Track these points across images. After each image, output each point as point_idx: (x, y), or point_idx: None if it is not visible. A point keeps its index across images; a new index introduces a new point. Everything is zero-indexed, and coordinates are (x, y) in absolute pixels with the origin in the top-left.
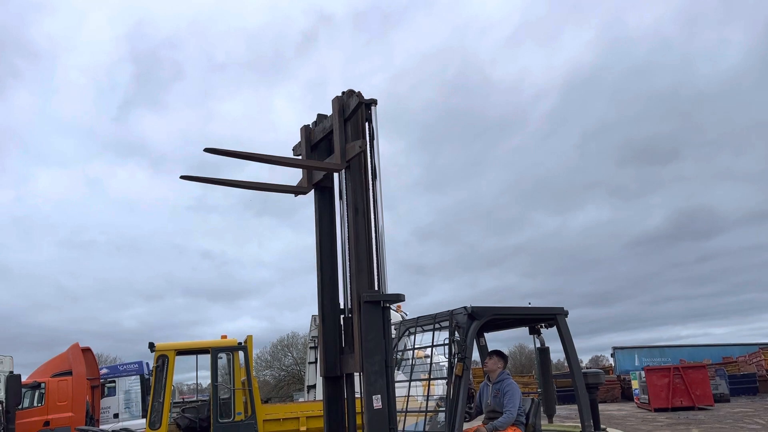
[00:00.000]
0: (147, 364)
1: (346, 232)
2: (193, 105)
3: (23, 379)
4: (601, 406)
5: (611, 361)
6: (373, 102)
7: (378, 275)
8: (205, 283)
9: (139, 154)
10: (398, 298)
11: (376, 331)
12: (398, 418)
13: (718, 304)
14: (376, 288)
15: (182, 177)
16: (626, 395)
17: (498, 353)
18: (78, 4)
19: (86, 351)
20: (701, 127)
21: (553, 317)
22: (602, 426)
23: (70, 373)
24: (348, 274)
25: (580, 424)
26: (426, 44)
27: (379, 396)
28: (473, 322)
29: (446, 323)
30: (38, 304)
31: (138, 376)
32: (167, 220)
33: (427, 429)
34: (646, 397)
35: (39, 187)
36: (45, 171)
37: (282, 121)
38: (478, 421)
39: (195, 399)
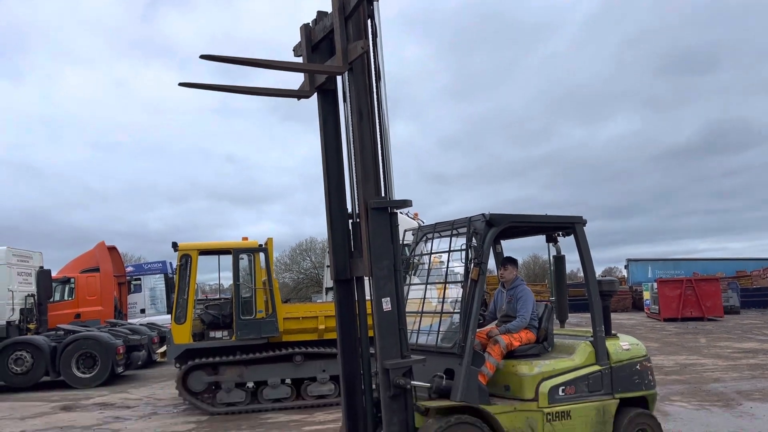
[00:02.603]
0: (170, 263)
1: (352, 138)
2: (220, 4)
3: (53, 274)
4: (611, 315)
5: (624, 273)
6: None
7: (385, 181)
8: (228, 187)
9: (166, 55)
10: (405, 203)
11: (383, 237)
12: (413, 319)
13: (738, 219)
14: (383, 194)
15: (180, 84)
16: (637, 306)
17: (512, 261)
18: None
19: (112, 249)
20: (744, 37)
21: (571, 226)
22: (613, 332)
23: (97, 269)
24: (354, 180)
25: (591, 330)
26: None
27: (388, 299)
28: (491, 229)
29: (464, 229)
30: (67, 204)
31: (162, 275)
32: (192, 123)
33: (441, 330)
34: (657, 307)
35: (66, 86)
36: (72, 70)
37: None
38: (492, 326)
39: (218, 297)
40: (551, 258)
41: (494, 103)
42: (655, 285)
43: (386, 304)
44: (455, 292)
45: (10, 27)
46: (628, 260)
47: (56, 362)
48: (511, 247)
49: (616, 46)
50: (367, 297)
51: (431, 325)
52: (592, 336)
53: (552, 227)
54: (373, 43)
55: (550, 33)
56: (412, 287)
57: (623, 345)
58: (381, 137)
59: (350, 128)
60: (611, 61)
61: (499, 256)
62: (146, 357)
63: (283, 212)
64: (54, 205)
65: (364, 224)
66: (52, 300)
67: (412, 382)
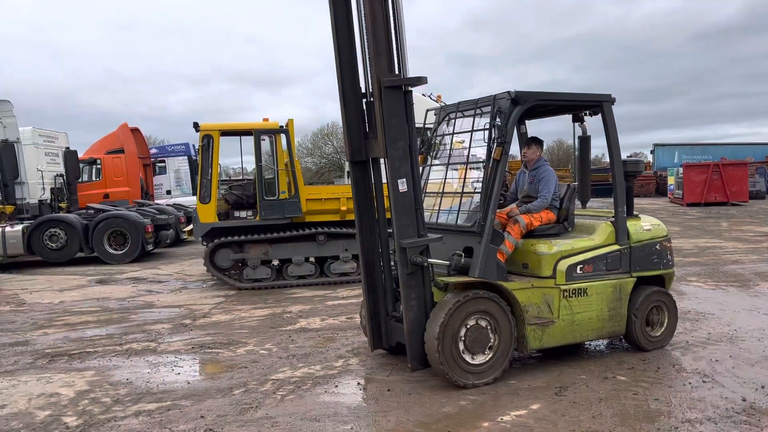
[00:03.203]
0: (193, 146)
1: (362, 11)
2: None
3: (79, 156)
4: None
5: (650, 158)
6: None
7: (399, 58)
8: (249, 70)
9: None
10: (419, 80)
11: (398, 117)
12: (434, 200)
13: None
14: (398, 72)
15: None
16: (661, 191)
17: (536, 140)
18: None
19: (135, 131)
20: None
21: (599, 104)
22: (635, 212)
23: (122, 151)
24: (367, 58)
25: (613, 211)
26: None
27: (404, 180)
28: (516, 107)
29: (488, 108)
30: (88, 86)
31: (186, 157)
32: (212, 2)
33: (461, 210)
34: (681, 192)
35: None
36: None
37: None
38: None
39: (241, 179)
40: (575, 139)
41: None
42: (681, 169)
43: (402, 185)
44: (477, 173)
45: None
46: (655, 145)
47: (89, 239)
48: (535, 131)
49: None
50: (384, 179)
51: (452, 205)
52: (613, 216)
53: (579, 105)
54: None
55: None
56: (433, 168)
57: (644, 225)
58: (394, 10)
59: (363, 3)
60: None
61: (523, 136)
62: (174, 236)
63: (305, 96)
64: (76, 87)
65: (378, 104)
66: (80, 180)
67: (429, 259)
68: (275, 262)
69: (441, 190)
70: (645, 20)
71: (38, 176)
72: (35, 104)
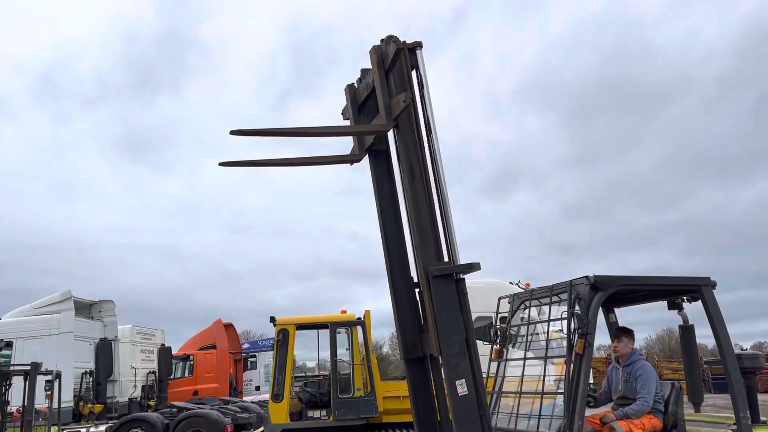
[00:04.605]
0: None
1: (406, 200)
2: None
3: (174, 352)
4: (762, 397)
5: None
6: (418, 45)
7: (448, 244)
8: (351, 264)
9: (296, 143)
10: (472, 267)
11: (450, 309)
12: (512, 401)
13: None
14: (446, 259)
15: (221, 164)
16: None
17: (627, 331)
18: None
19: (228, 326)
20: None
21: (697, 288)
22: (763, 418)
23: (214, 347)
24: (413, 247)
25: (734, 416)
26: (583, 10)
27: (463, 380)
28: (597, 294)
29: (565, 295)
30: (202, 283)
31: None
32: (318, 204)
33: (542, 414)
34: None
35: (206, 176)
36: (212, 160)
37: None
38: (607, 408)
39: (317, 374)
40: (679, 328)
41: (620, 169)
42: None
43: (461, 387)
44: (559, 368)
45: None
46: None
47: None
48: (637, 319)
49: (754, 102)
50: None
51: (532, 408)
52: (734, 424)
53: (673, 291)
54: (420, 95)
55: (679, 94)
56: (511, 363)
57: None
58: (439, 196)
59: (405, 190)
60: (748, 118)
61: (612, 327)
62: None
63: None
64: (192, 286)
65: (427, 295)
66: (172, 377)
67: None
68: None
69: (519, 390)
70: (749, 204)
71: (131, 373)
72: (155, 301)
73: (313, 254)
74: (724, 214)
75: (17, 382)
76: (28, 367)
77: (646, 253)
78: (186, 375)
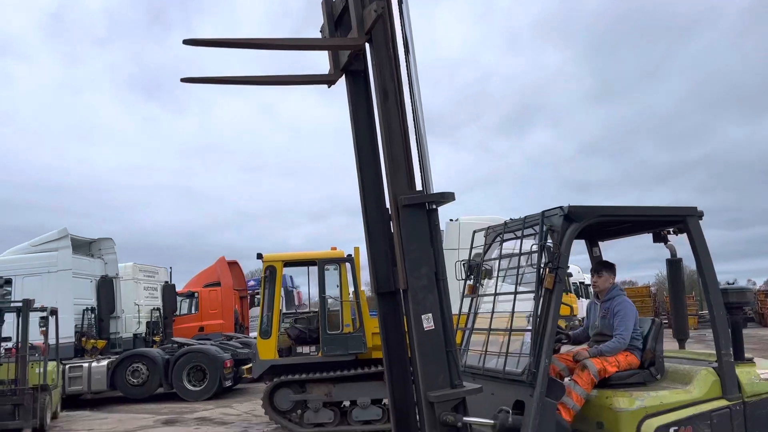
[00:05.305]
0: (290, 277)
1: (379, 124)
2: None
3: (179, 289)
4: (760, 330)
5: None
6: None
7: (422, 172)
8: None
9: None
10: (444, 197)
11: (420, 240)
12: (483, 338)
13: None
14: (420, 188)
15: (183, 80)
16: None
17: (608, 265)
18: None
19: (233, 264)
20: None
21: (683, 219)
22: (748, 355)
23: (219, 284)
24: (385, 175)
25: (715, 353)
26: None
27: (430, 315)
28: (571, 225)
29: (539, 227)
30: (218, 223)
31: (282, 289)
32: (335, 144)
33: (510, 352)
34: None
35: (220, 115)
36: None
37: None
38: (582, 349)
39: (307, 311)
40: (666, 262)
41: (641, 104)
42: None
43: (427, 322)
44: (529, 304)
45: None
46: None
47: (169, 375)
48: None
49: None
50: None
51: (501, 347)
52: (716, 361)
53: (657, 222)
54: (399, 9)
55: (705, 25)
56: (484, 300)
57: (761, 373)
58: (415, 120)
59: (378, 112)
60: None
61: (596, 260)
62: None
63: None
64: (208, 226)
65: (396, 225)
66: (178, 313)
67: (465, 418)
68: (347, 404)
69: (489, 326)
70: None
71: (135, 310)
72: (172, 242)
73: (328, 194)
74: (746, 151)
75: (13, 320)
76: (20, 304)
77: (664, 191)
78: (192, 312)
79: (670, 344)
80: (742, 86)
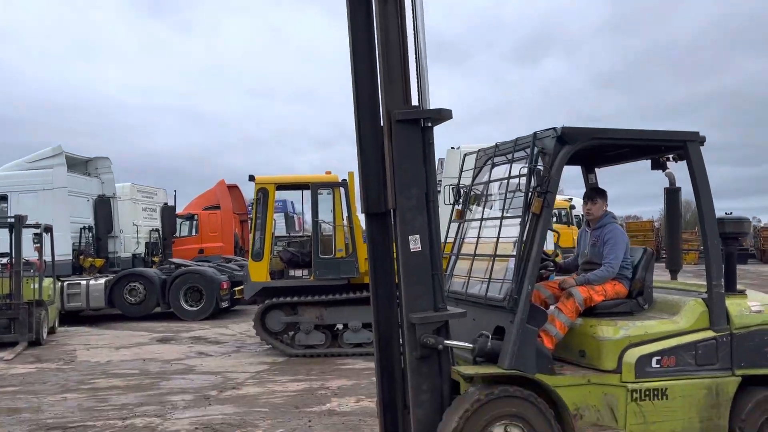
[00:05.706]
0: (292, 202)
1: (377, 32)
2: None
3: (178, 211)
4: (760, 266)
5: None
6: None
7: (420, 86)
8: None
9: (319, 1)
10: (440, 114)
11: (412, 158)
12: (468, 264)
13: None
14: (416, 103)
15: None
16: None
17: (600, 192)
18: None
19: (233, 188)
20: None
21: (683, 145)
22: (740, 287)
23: (218, 207)
24: (380, 87)
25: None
26: None
27: (418, 236)
28: (564, 147)
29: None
30: (225, 147)
31: (282, 213)
32: (343, 69)
33: (493, 278)
34: None
35: (227, 37)
36: (232, 19)
37: None
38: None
39: (301, 234)
40: (664, 190)
41: (658, 35)
42: None
43: (414, 243)
44: (517, 230)
45: None
46: None
47: (166, 295)
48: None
49: None
50: None
51: (487, 269)
52: (705, 292)
53: (655, 147)
54: None
55: None
56: (472, 225)
57: (752, 305)
58: (414, 30)
59: (376, 17)
60: None
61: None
62: None
63: None
64: (214, 150)
65: (388, 141)
66: (177, 235)
67: (446, 341)
68: (340, 326)
69: (474, 252)
70: None
71: (134, 231)
72: (178, 164)
73: (335, 121)
74: (763, 85)
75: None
76: (12, 220)
77: (678, 125)
78: (192, 234)
79: (663, 276)
80: (763, 19)
